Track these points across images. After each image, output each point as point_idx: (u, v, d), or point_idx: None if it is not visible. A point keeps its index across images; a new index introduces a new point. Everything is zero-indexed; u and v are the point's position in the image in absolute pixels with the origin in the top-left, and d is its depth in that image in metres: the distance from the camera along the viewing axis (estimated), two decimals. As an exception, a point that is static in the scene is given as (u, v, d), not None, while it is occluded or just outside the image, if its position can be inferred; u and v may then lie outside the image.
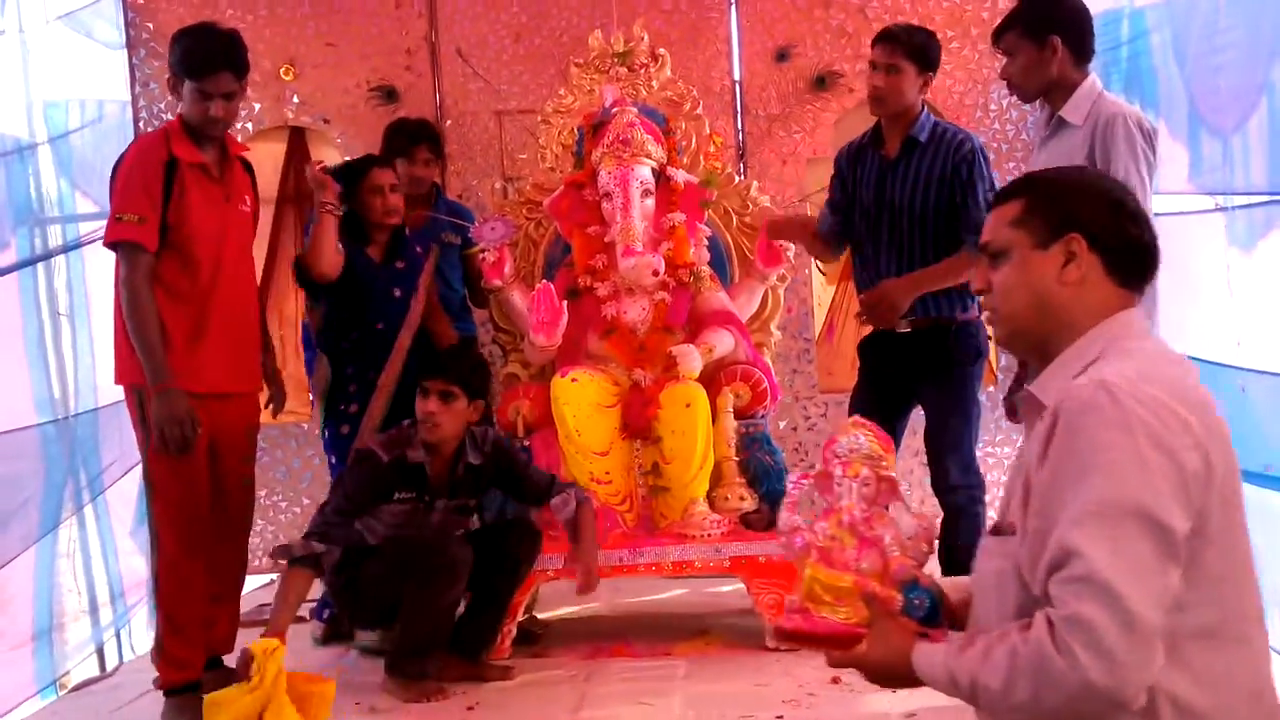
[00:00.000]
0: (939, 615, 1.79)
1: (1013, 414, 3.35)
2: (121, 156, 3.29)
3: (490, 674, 3.49)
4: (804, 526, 1.91)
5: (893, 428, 3.82)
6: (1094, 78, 3.10)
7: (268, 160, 5.36)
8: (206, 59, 3.21)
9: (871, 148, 3.71)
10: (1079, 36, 3.08)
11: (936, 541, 2.08)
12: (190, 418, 3.13)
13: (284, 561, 3.24)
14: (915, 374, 3.61)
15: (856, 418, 2.04)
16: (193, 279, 3.25)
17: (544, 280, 3.99)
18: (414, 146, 4.30)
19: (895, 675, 1.68)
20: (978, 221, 3.47)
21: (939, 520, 1.92)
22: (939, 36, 3.81)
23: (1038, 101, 3.30)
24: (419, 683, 3.38)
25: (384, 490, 3.38)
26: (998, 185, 3.17)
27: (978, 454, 3.73)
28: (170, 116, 5.25)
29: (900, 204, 3.59)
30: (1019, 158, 5.23)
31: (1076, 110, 3.04)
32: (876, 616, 1.72)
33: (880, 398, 3.76)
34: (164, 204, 3.18)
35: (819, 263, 4.56)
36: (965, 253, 3.45)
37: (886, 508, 1.91)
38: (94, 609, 4.70)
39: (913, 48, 3.54)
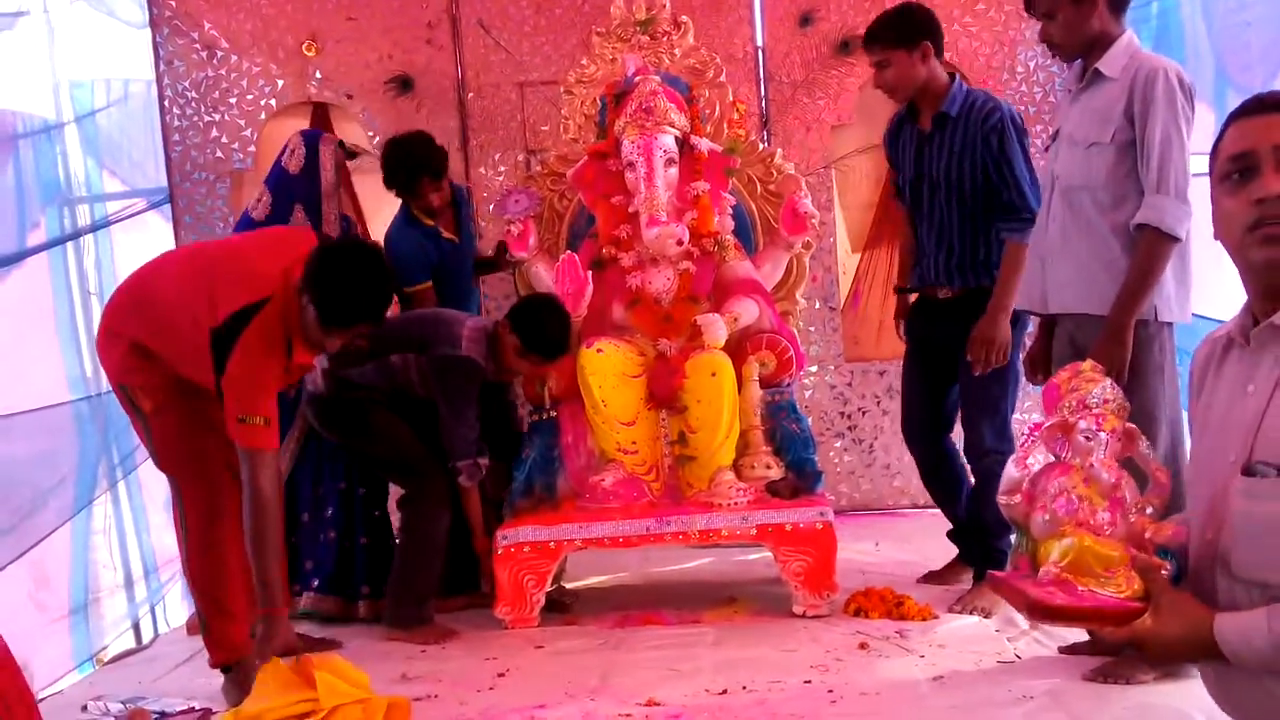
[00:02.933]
0: (1182, 578, 1.64)
1: (1033, 374, 3.30)
2: (243, 340, 2.91)
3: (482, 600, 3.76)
4: (1046, 488, 1.73)
5: (942, 398, 3.83)
6: (1130, 32, 3.03)
7: (289, 133, 5.38)
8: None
9: (909, 121, 3.75)
10: None
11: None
12: (294, 647, 2.96)
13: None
14: (959, 341, 3.61)
15: (1091, 363, 1.84)
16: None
17: (568, 252, 3.99)
18: (418, 182, 4.15)
19: (1188, 651, 1.56)
20: (1010, 204, 3.48)
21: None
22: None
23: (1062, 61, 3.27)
24: (427, 627, 3.56)
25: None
26: (1031, 150, 3.14)
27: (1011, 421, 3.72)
28: (195, 95, 5.30)
29: (937, 178, 3.62)
30: (1046, 120, 5.17)
31: (1113, 63, 2.95)
32: (1160, 589, 1.57)
33: (928, 370, 3.80)
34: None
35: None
36: (1012, 246, 3.46)
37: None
38: (129, 584, 4.77)
39: (894, 35, 3.57)
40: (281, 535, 3.02)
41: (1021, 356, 3.49)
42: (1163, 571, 1.61)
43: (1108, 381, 1.78)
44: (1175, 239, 2.82)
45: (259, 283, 2.98)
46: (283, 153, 3.97)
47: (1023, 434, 1.85)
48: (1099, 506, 1.69)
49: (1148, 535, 1.66)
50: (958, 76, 3.69)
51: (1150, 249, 2.82)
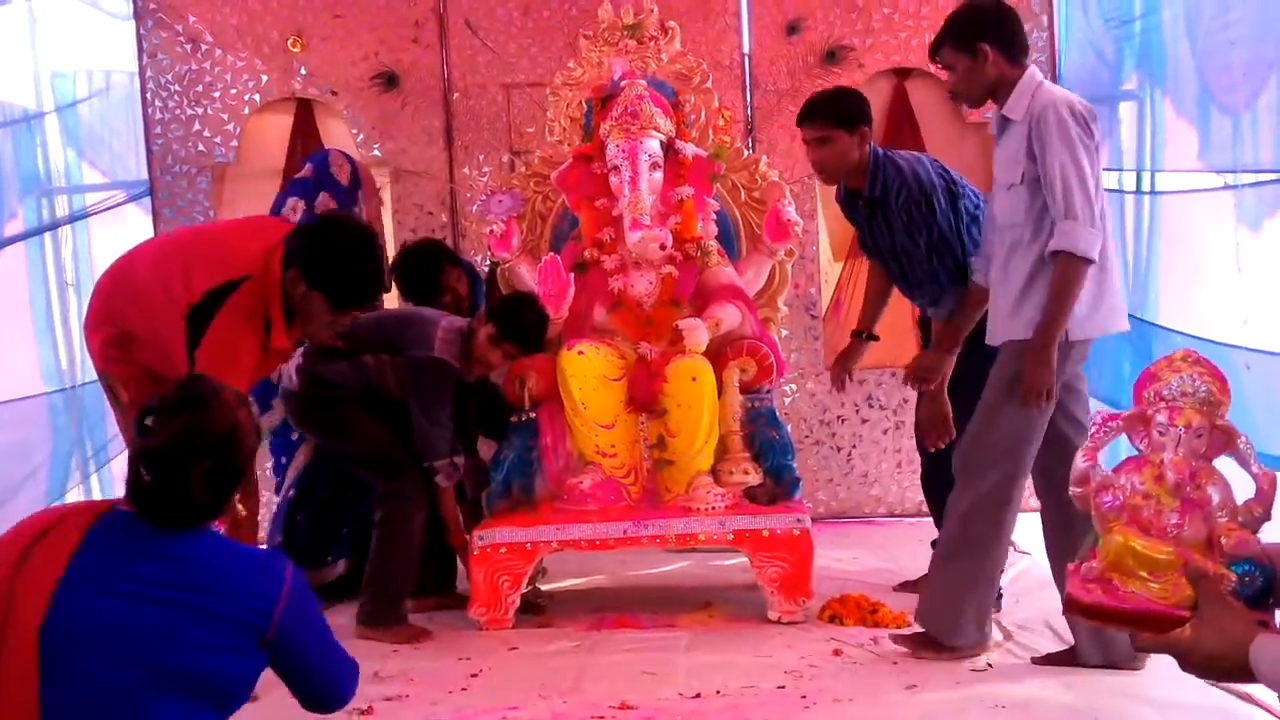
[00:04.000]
0: (1271, 594, 1.53)
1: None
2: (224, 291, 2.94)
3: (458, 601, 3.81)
4: (1113, 482, 1.63)
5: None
6: (1032, 70, 3.15)
7: (273, 131, 5.36)
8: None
9: (849, 194, 3.82)
10: (1007, 38, 3.12)
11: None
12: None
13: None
14: (971, 341, 3.57)
15: (1189, 351, 1.72)
16: None
17: (551, 253, 3.99)
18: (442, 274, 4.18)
19: (1224, 667, 1.48)
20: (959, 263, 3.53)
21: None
22: (950, 13, 3.79)
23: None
24: (400, 626, 3.59)
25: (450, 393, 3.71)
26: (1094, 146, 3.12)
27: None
28: (178, 88, 5.27)
29: (894, 248, 3.70)
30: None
31: (1017, 106, 3.09)
32: (1207, 599, 1.48)
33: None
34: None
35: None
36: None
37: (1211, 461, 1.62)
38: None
39: (838, 115, 3.62)
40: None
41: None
42: (1225, 583, 1.51)
43: (1191, 373, 1.65)
44: (1089, 261, 2.96)
45: (238, 261, 2.97)
46: (325, 165, 4.14)
47: (1095, 424, 1.74)
48: (1168, 506, 1.59)
49: (1221, 541, 1.55)
50: (876, 153, 3.66)
51: (1066, 273, 2.95)
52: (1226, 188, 3.98)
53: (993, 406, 3.10)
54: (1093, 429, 1.73)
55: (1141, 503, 1.60)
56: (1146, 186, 4.59)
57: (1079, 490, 1.69)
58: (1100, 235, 2.96)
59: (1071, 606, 1.65)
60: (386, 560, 3.63)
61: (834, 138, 3.60)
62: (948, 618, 3.13)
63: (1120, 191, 4.77)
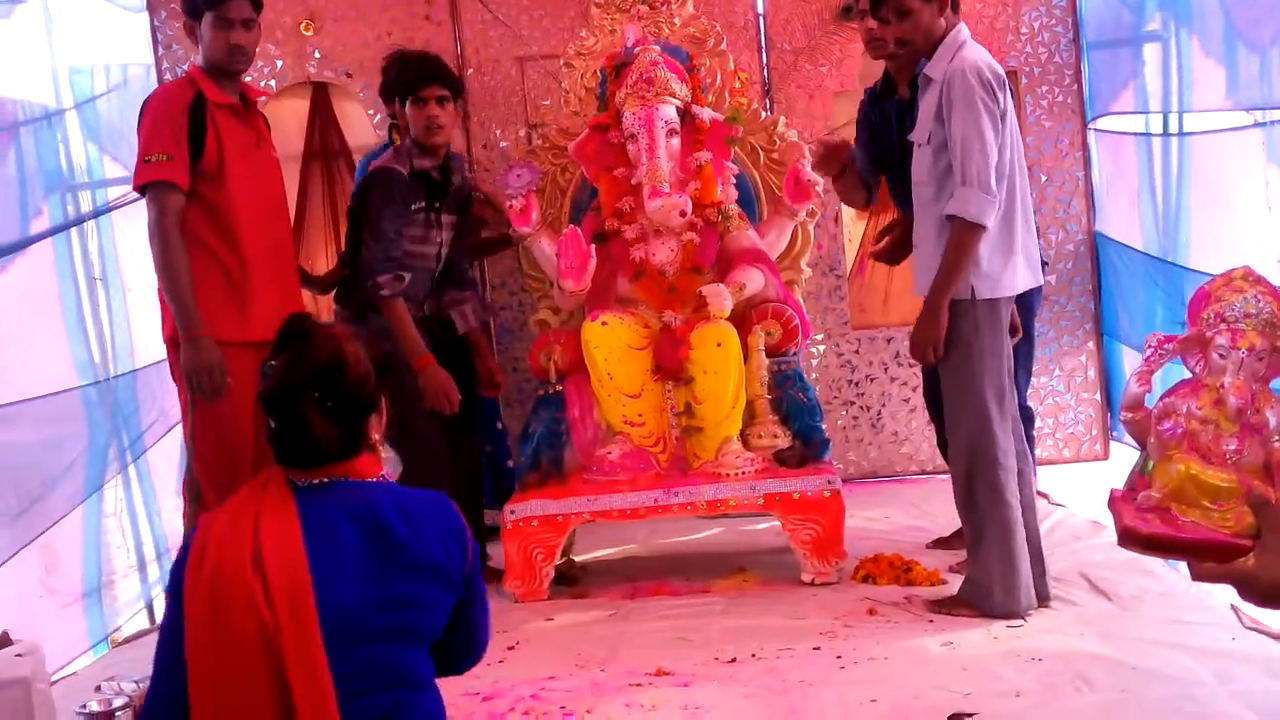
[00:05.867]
0: None
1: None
2: (145, 104, 3.25)
3: (493, 576, 3.70)
4: (1176, 409, 1.57)
5: None
6: (960, 28, 3.14)
7: (291, 117, 5.36)
8: None
9: (885, 90, 3.72)
10: None
11: None
12: (220, 365, 3.14)
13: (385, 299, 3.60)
14: None
15: (1248, 268, 1.64)
16: (234, 225, 3.23)
17: (571, 225, 3.97)
18: (424, 87, 4.17)
19: None
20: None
21: None
22: None
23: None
24: None
25: (407, 200, 3.66)
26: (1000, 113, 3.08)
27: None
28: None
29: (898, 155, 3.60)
30: (1051, 80, 5.12)
31: (936, 67, 3.12)
32: (1271, 527, 1.43)
33: None
34: (199, 147, 3.16)
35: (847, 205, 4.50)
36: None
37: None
38: (141, 566, 4.79)
39: None
40: (186, 268, 3.15)
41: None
42: None
43: (1254, 293, 1.59)
44: (981, 226, 3.01)
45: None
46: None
47: (1150, 346, 1.71)
48: (1227, 431, 1.54)
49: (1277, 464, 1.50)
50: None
51: (959, 237, 3.03)
52: (1256, 125, 3.89)
53: (944, 370, 3.16)
54: (1147, 351, 1.68)
55: (1199, 428, 1.55)
56: (1175, 128, 4.50)
57: (1131, 416, 1.64)
58: (994, 201, 3.01)
59: (1129, 538, 1.62)
60: None
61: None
62: (981, 586, 3.12)
63: (1147, 135, 4.69)
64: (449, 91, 3.68)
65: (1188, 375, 1.65)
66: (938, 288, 3.08)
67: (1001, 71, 3.10)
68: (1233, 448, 1.54)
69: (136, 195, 4.98)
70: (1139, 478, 1.62)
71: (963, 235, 3.02)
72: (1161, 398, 1.64)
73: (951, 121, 3.02)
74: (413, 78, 3.66)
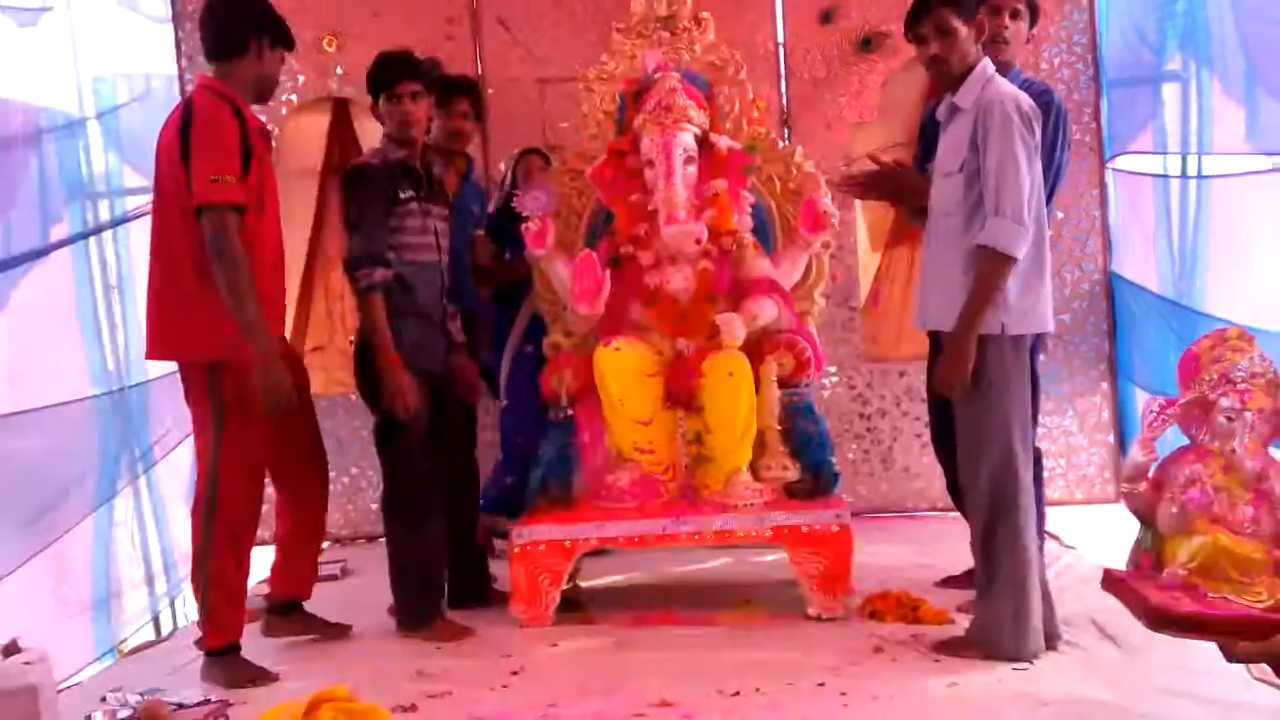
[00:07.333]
0: None
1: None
2: (195, 120, 3.21)
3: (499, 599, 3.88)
4: (1200, 476, 1.49)
5: None
6: (986, 61, 3.15)
7: (311, 131, 5.40)
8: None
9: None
10: (978, 13, 3.13)
11: None
12: (292, 385, 3.26)
13: (363, 291, 3.56)
14: None
15: (1240, 329, 1.58)
16: (263, 247, 3.32)
17: (586, 249, 3.98)
18: (452, 97, 4.25)
19: None
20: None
21: None
22: None
23: None
24: (439, 624, 3.64)
25: (391, 191, 3.64)
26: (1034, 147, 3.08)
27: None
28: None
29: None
30: (1070, 118, 5.11)
31: (967, 95, 3.12)
32: None
33: None
34: (244, 170, 3.22)
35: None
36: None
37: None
38: (149, 578, 4.80)
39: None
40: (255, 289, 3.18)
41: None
42: None
43: (1258, 352, 1.52)
44: (1011, 259, 2.98)
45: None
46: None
47: (1151, 412, 1.65)
48: (1240, 500, 1.47)
49: None
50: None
51: (988, 267, 3.00)
52: (1276, 170, 3.90)
53: (967, 407, 3.09)
54: (1149, 418, 1.63)
55: (1212, 497, 1.51)
56: (1193, 170, 4.50)
57: (1132, 487, 1.59)
58: (1027, 234, 2.99)
59: (1162, 620, 1.55)
60: (404, 566, 3.66)
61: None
62: (990, 628, 3.10)
63: (1165, 176, 4.69)
64: (422, 87, 3.71)
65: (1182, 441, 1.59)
66: (966, 321, 3.01)
67: (1035, 107, 3.08)
68: (1250, 514, 1.49)
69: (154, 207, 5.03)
70: (1144, 554, 1.56)
71: (993, 266, 2.98)
72: (1159, 468, 1.58)
73: (987, 151, 3.00)
74: (386, 74, 3.69)
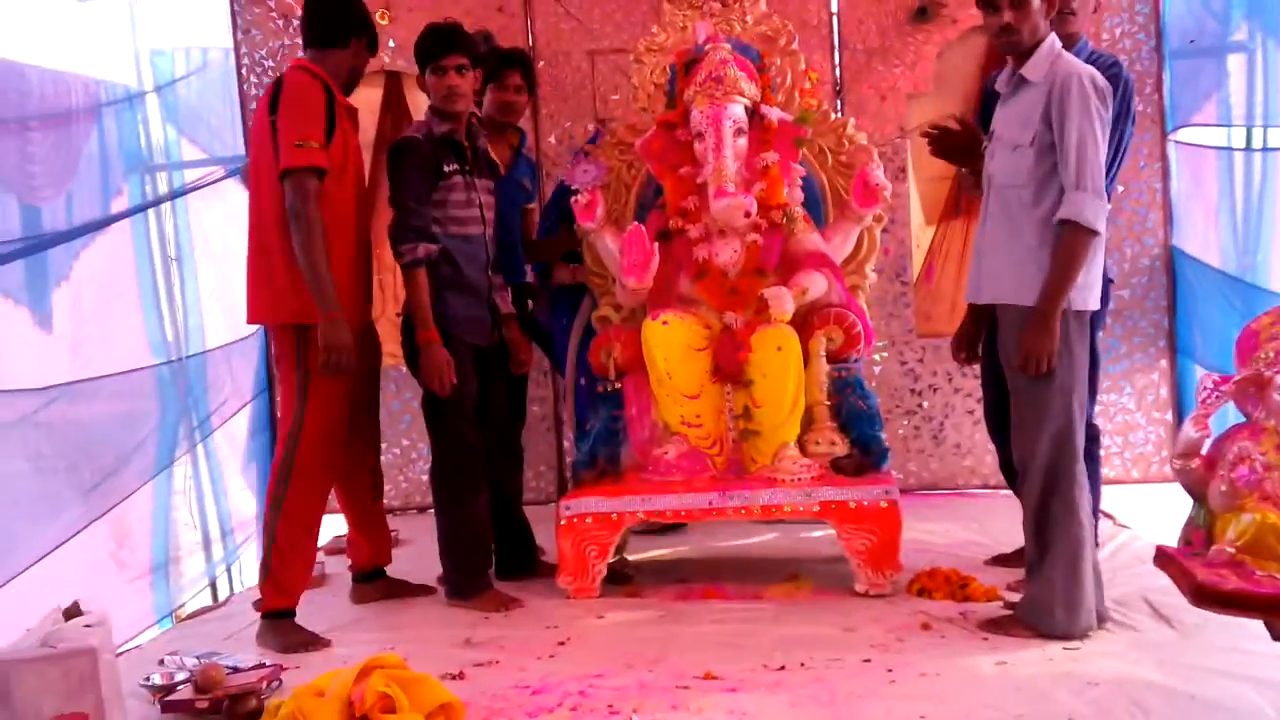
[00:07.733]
0: None
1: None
2: (283, 91, 3.36)
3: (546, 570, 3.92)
4: (1250, 453, 1.50)
5: None
6: (1053, 36, 3.10)
7: (364, 105, 5.41)
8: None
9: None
10: None
11: None
12: (352, 346, 3.35)
13: (406, 267, 3.59)
14: None
15: None
16: (344, 215, 3.45)
17: (635, 222, 3.97)
18: (504, 70, 4.24)
19: None
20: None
21: None
22: None
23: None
24: (486, 594, 3.68)
25: (435, 164, 3.65)
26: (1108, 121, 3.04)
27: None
28: (272, 64, 5.37)
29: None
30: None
31: (1036, 69, 3.07)
32: None
33: None
34: (328, 141, 3.35)
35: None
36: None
37: None
38: (206, 544, 4.90)
39: None
40: (326, 251, 3.31)
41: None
42: None
43: None
44: (1095, 232, 2.97)
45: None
46: None
47: (1205, 388, 1.62)
48: None
49: None
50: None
51: (1072, 243, 2.97)
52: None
53: (1029, 381, 3.04)
54: (1202, 394, 1.61)
55: (1263, 474, 1.49)
56: (1258, 143, 4.38)
57: (1185, 463, 1.56)
58: (1106, 208, 2.98)
59: (1206, 596, 1.53)
60: (452, 536, 3.70)
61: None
62: (1042, 605, 3.07)
63: (1229, 149, 4.57)
64: (468, 60, 3.70)
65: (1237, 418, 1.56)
66: (1050, 296, 2.97)
67: (1108, 83, 3.05)
68: None
69: (214, 178, 5.12)
70: (1195, 531, 1.54)
71: (1075, 241, 2.95)
72: (1213, 444, 1.55)
73: (1065, 125, 2.97)
74: (432, 47, 3.70)
